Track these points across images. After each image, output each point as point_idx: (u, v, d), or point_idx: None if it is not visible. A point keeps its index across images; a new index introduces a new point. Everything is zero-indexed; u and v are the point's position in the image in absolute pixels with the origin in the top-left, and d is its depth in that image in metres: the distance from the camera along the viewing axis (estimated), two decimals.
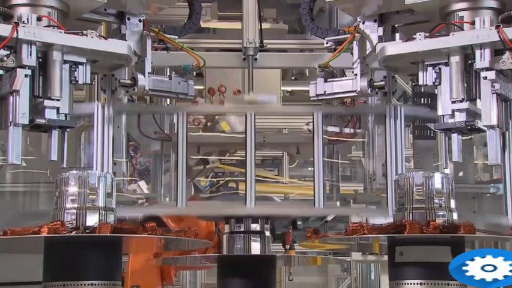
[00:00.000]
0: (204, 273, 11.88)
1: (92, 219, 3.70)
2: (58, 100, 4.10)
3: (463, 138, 4.34)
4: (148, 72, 4.66)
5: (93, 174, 3.82)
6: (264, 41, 5.43)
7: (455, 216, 3.77)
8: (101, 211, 3.75)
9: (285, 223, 8.51)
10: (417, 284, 3.72)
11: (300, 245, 9.42)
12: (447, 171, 5.83)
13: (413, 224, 3.67)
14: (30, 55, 3.97)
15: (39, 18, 4.11)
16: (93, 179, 3.77)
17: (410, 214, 3.77)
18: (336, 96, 4.79)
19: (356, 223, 3.89)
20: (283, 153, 9.89)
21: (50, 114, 4.08)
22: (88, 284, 3.64)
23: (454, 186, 3.88)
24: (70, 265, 3.67)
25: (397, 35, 4.72)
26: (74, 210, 3.72)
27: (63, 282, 3.65)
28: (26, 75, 3.94)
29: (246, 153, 4.90)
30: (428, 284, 3.71)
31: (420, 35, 4.17)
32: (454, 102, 4.14)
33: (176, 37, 4.81)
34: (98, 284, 3.65)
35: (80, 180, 3.76)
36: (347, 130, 5.60)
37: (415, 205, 3.80)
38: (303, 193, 9.20)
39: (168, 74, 4.87)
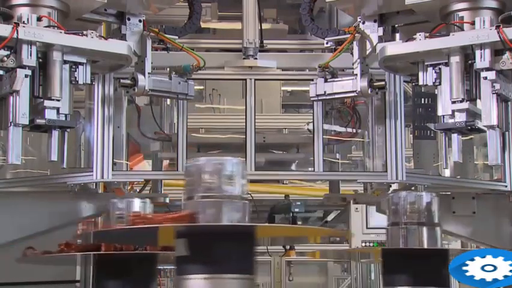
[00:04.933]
0: None
1: None
2: (58, 100, 4.11)
3: (463, 138, 4.34)
4: (148, 73, 4.66)
5: None
6: (264, 41, 5.42)
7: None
8: None
9: (284, 223, 8.49)
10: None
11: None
12: (447, 171, 5.85)
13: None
14: (30, 55, 3.98)
15: (39, 19, 4.12)
16: None
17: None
18: (336, 96, 4.80)
19: (135, 214, 3.71)
20: None
21: (50, 114, 4.09)
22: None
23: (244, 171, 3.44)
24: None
25: (397, 35, 4.72)
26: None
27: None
28: (26, 76, 3.95)
29: (246, 119, 5.05)
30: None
31: (420, 35, 4.18)
32: (454, 102, 4.15)
33: (176, 37, 4.80)
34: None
35: None
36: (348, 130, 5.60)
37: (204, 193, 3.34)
38: (304, 193, 9.21)
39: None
